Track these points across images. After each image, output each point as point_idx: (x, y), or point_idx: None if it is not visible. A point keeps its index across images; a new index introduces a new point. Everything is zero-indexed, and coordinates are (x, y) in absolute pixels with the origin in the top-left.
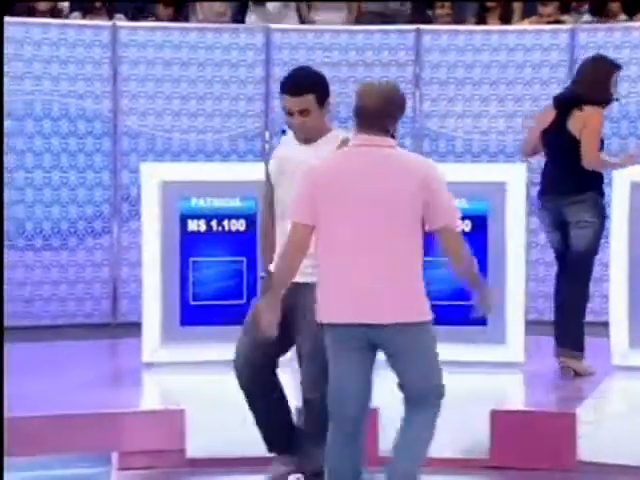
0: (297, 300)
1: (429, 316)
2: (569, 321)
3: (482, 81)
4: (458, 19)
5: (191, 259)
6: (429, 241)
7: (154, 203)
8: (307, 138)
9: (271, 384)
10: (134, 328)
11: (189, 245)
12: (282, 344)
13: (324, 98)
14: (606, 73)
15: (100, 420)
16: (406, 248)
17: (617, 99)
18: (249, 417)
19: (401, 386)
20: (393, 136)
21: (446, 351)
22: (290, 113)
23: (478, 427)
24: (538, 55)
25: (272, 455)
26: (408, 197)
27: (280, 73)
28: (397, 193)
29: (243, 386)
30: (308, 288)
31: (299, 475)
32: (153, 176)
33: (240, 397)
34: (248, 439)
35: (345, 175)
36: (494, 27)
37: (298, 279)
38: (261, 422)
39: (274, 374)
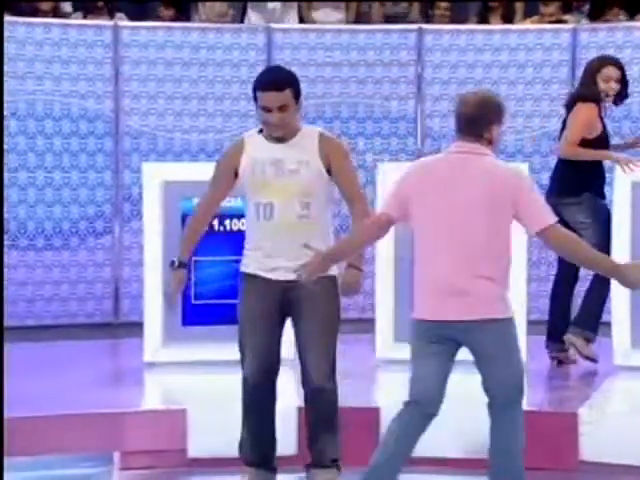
0: (305, 295)
1: (512, 312)
2: (590, 303)
3: (484, 81)
4: (460, 19)
5: (193, 259)
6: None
7: (156, 203)
8: (284, 135)
9: (273, 391)
10: (136, 328)
11: None
12: (280, 332)
13: (299, 95)
14: (593, 68)
15: (102, 420)
16: (495, 248)
17: (608, 94)
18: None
19: (486, 388)
20: (491, 142)
21: None
22: (268, 110)
23: (480, 427)
24: (540, 55)
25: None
26: (496, 203)
27: None
28: (485, 199)
29: (250, 385)
30: (320, 281)
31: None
32: (155, 176)
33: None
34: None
35: (438, 179)
36: (496, 27)
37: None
38: (258, 430)
39: (276, 380)
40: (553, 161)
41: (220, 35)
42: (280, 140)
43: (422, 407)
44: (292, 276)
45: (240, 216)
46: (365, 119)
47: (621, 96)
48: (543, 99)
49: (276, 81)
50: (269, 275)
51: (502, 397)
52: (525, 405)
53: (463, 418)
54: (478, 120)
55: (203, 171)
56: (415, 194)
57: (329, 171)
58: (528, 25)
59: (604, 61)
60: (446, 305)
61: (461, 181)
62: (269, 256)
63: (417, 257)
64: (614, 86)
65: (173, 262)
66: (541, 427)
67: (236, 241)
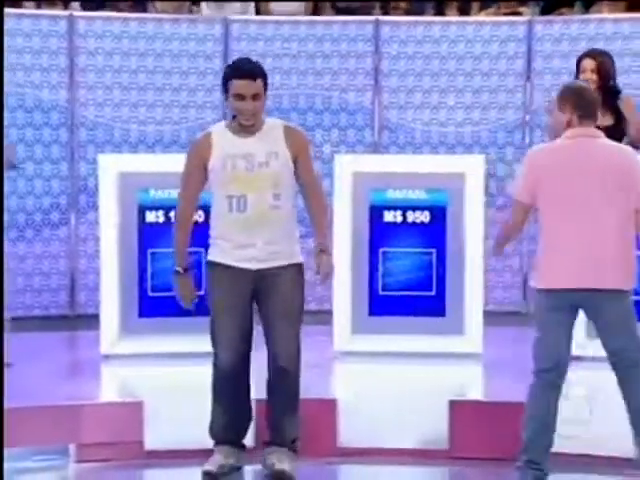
0: (273, 282)
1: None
2: None
3: (440, 72)
4: (417, 11)
5: (150, 250)
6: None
7: (112, 194)
8: (254, 125)
9: (248, 374)
10: (93, 320)
11: (148, 236)
12: (250, 320)
13: (267, 87)
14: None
15: (58, 412)
16: (619, 222)
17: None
18: (208, 409)
19: (611, 352)
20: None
21: (405, 342)
22: (242, 97)
23: (437, 418)
24: (496, 47)
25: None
26: (618, 179)
27: None
28: (609, 175)
29: (225, 371)
30: (288, 269)
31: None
32: (111, 167)
33: (199, 388)
34: (206, 431)
35: (568, 159)
36: (452, 19)
37: (277, 263)
38: (231, 409)
39: (249, 359)
40: (510, 152)
41: (177, 26)
42: (248, 134)
43: (554, 375)
44: (262, 265)
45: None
46: (323, 111)
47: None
48: (500, 90)
49: (251, 70)
50: (240, 265)
51: (628, 362)
52: (482, 396)
53: (421, 410)
54: (597, 108)
55: (159, 162)
56: (547, 176)
57: (294, 161)
58: (484, 17)
59: (582, 56)
60: (583, 274)
61: (594, 160)
62: (240, 247)
63: (549, 233)
64: (589, 76)
65: (177, 272)
66: (498, 417)
67: (193, 233)
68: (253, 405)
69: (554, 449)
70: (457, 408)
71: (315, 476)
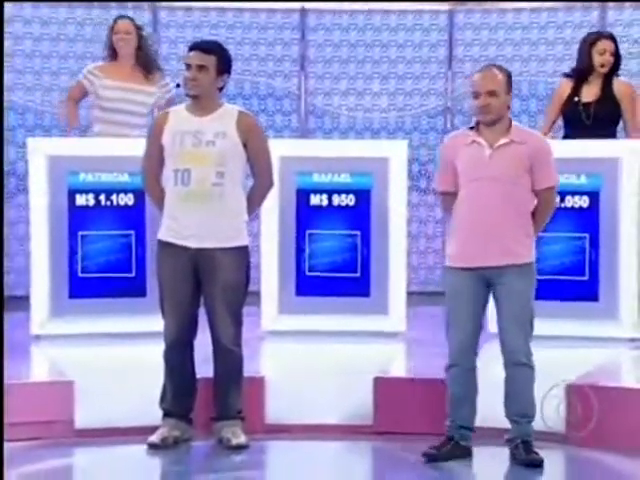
0: (213, 264)
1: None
2: None
3: (365, 60)
4: None
5: (80, 233)
6: None
7: (41, 177)
8: (199, 98)
9: (192, 349)
10: (22, 302)
11: (78, 219)
12: (197, 303)
13: (223, 69)
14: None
15: None
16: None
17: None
18: (138, 388)
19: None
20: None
21: (331, 322)
22: (188, 67)
23: (362, 394)
24: (419, 35)
25: (162, 422)
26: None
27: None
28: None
29: (172, 349)
30: (230, 251)
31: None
32: (40, 150)
33: (128, 368)
34: (137, 409)
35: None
36: (376, 7)
37: (217, 244)
38: (180, 384)
39: (194, 339)
40: (432, 138)
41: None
42: (202, 113)
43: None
44: (204, 244)
45: (127, 191)
46: (251, 96)
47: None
48: (423, 77)
49: (204, 43)
50: (182, 242)
51: None
52: (405, 372)
53: (346, 387)
54: None
55: (89, 146)
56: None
57: (245, 146)
58: (407, 6)
59: (597, 35)
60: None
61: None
62: (182, 224)
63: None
64: (608, 58)
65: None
66: (420, 394)
67: (123, 216)
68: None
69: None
70: (381, 385)
71: (243, 452)
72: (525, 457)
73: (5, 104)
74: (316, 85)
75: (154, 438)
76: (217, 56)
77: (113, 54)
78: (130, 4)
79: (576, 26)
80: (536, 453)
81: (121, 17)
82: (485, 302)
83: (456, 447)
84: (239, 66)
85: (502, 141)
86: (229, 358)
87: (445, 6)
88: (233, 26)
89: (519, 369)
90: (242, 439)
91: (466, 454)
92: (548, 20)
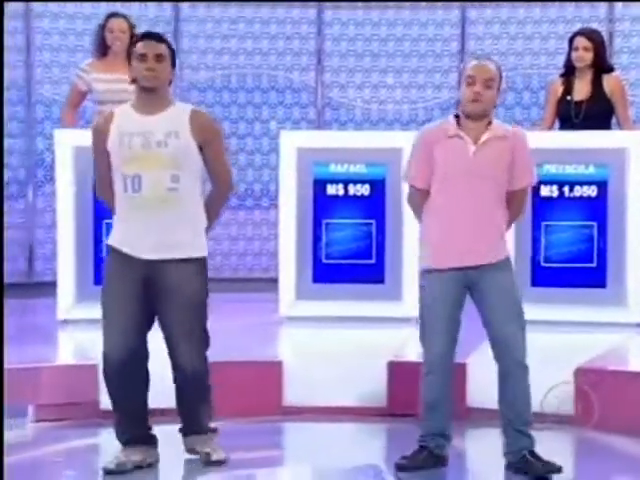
0: (169, 277)
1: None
2: None
3: (380, 53)
4: None
5: (104, 221)
6: None
7: (67, 167)
8: (157, 91)
9: (145, 373)
10: (50, 287)
11: (102, 207)
12: (148, 320)
13: (174, 62)
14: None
15: (16, 374)
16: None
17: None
18: (161, 371)
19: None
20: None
21: (346, 308)
22: (144, 57)
23: (377, 378)
24: (432, 30)
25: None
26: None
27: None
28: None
29: (116, 370)
30: (188, 264)
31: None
32: (66, 142)
33: (155, 351)
34: (160, 390)
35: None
36: (390, 3)
37: (175, 255)
38: (133, 409)
39: (147, 362)
40: None
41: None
42: (150, 111)
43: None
44: (157, 255)
45: None
46: (269, 89)
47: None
48: (435, 71)
49: (156, 34)
50: (134, 253)
51: None
52: (417, 357)
53: (361, 370)
54: None
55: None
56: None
57: (201, 148)
58: (421, 2)
59: (575, 33)
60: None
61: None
62: (136, 231)
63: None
64: (582, 54)
65: None
66: None
67: None
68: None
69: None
70: (395, 368)
71: (261, 433)
72: (543, 468)
73: (34, 97)
74: (332, 78)
75: (109, 464)
76: (168, 46)
77: (103, 50)
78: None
79: (584, 21)
80: (546, 461)
81: (114, 15)
82: (463, 305)
83: (430, 456)
84: (258, 60)
85: (486, 136)
86: (195, 382)
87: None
88: (252, 21)
89: (521, 371)
90: (222, 455)
91: (440, 463)
92: (558, 15)
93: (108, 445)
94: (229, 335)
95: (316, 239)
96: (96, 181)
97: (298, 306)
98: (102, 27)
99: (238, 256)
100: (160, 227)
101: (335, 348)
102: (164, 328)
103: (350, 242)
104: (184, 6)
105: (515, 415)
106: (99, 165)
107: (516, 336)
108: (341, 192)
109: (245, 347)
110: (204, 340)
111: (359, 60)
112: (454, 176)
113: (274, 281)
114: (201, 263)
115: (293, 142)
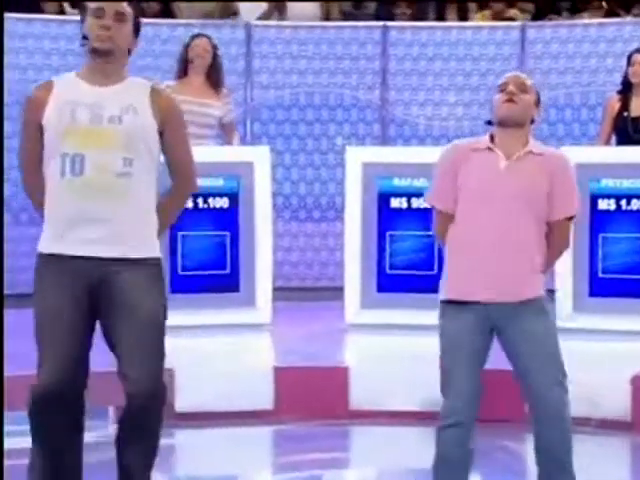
0: (119, 282)
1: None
2: None
3: (442, 72)
4: (420, 16)
5: (179, 233)
6: None
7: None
8: (112, 54)
9: (81, 406)
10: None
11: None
12: (90, 332)
13: (138, 27)
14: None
15: (98, 377)
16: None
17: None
18: (231, 375)
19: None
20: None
21: (409, 316)
22: (101, 13)
23: (437, 383)
24: (492, 49)
25: None
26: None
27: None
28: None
29: (46, 403)
30: (141, 265)
31: None
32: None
33: (227, 353)
34: (230, 395)
35: None
36: (453, 24)
37: (125, 253)
38: (56, 459)
39: (83, 392)
40: None
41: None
42: (102, 81)
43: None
44: (103, 253)
45: (221, 195)
46: (335, 107)
47: None
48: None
49: None
50: (72, 252)
51: None
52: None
53: (423, 376)
54: None
55: None
56: None
57: (160, 131)
58: (481, 22)
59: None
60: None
61: None
62: (75, 225)
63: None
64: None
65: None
66: None
67: (217, 217)
68: (270, 371)
69: None
70: None
71: (328, 436)
72: None
73: None
74: (396, 96)
75: None
76: (134, 8)
77: (184, 70)
78: (229, 23)
79: None
80: None
81: (199, 35)
82: (489, 347)
83: None
84: (325, 79)
85: (521, 152)
86: (149, 408)
87: (517, 22)
88: (319, 42)
89: (559, 423)
90: None
91: None
92: (615, 34)
93: (184, 446)
94: (298, 342)
95: (380, 250)
96: (22, 167)
97: (363, 314)
98: (186, 47)
99: (306, 265)
100: (107, 218)
101: (398, 354)
102: (116, 346)
103: (413, 253)
104: (257, 29)
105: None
106: (27, 145)
107: (553, 392)
108: (404, 205)
109: (313, 353)
110: (163, 358)
111: (422, 79)
112: (481, 193)
113: (340, 290)
114: (157, 265)
115: (358, 157)
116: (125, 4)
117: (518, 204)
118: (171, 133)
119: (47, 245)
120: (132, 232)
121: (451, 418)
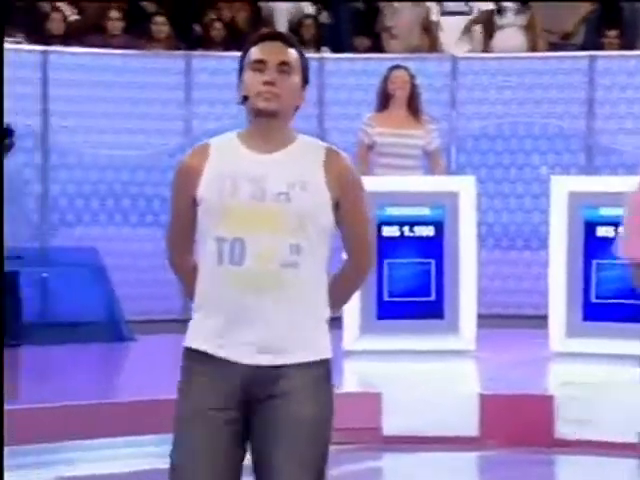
0: (280, 390)
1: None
2: None
3: None
4: (629, 44)
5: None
6: None
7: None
8: (277, 116)
9: None
10: None
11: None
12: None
13: (306, 79)
14: None
15: None
16: None
17: None
18: (439, 399)
19: None
20: None
21: (614, 345)
22: (263, 65)
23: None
24: None
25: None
26: None
27: None
28: None
29: None
30: (308, 370)
31: None
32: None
33: (433, 378)
34: (440, 419)
35: None
36: None
37: (289, 359)
38: None
39: None
40: None
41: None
42: (267, 147)
43: None
44: (264, 359)
45: (426, 223)
46: (539, 137)
47: None
48: None
49: (282, 33)
50: (227, 355)
51: None
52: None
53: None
54: None
55: None
56: None
57: (335, 203)
58: None
59: None
60: None
61: None
62: (231, 324)
63: None
64: None
65: None
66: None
67: (423, 245)
68: (476, 398)
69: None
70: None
71: (534, 463)
72: None
73: None
74: (602, 125)
75: None
76: (300, 53)
77: (385, 102)
78: (434, 56)
79: None
80: None
81: (397, 67)
82: None
83: None
84: (529, 108)
85: None
86: None
87: None
88: (524, 72)
89: None
90: None
91: None
92: None
93: (390, 469)
94: (502, 369)
95: (586, 279)
96: (169, 245)
97: (568, 343)
98: (385, 80)
99: (509, 293)
100: (270, 317)
101: (604, 382)
102: (266, 466)
103: (621, 282)
104: (462, 61)
105: None
106: (178, 219)
107: None
108: (611, 234)
109: (518, 381)
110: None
111: (630, 107)
112: None
113: (543, 318)
114: (325, 368)
115: (564, 186)
116: (292, 51)
117: None
118: (348, 205)
119: (195, 339)
120: (297, 333)
121: None
